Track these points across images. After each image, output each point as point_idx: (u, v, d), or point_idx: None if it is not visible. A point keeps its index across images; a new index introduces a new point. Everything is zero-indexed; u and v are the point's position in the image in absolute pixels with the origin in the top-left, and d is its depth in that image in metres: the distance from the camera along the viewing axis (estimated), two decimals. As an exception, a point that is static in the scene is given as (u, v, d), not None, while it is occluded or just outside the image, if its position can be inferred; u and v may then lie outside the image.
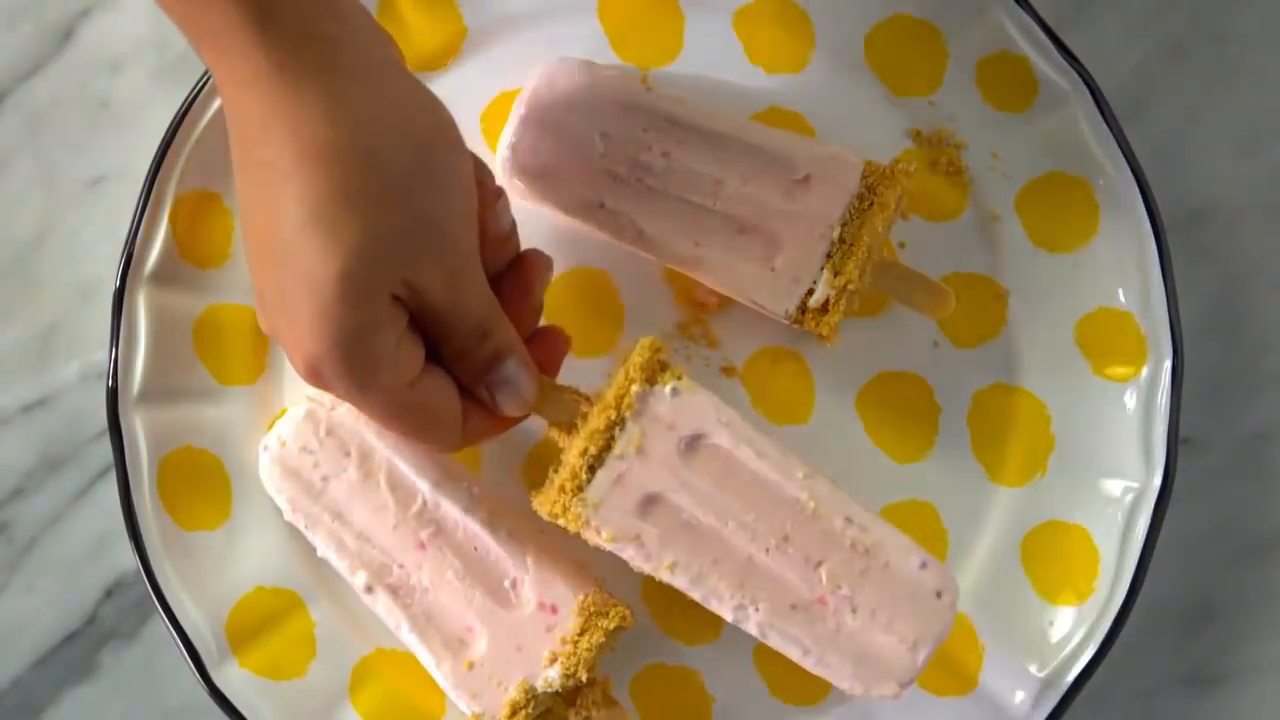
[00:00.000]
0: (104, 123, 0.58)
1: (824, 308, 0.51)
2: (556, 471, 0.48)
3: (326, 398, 0.53)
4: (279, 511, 0.53)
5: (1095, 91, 0.54)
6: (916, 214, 0.56)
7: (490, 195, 0.46)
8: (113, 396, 0.53)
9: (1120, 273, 0.55)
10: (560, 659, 0.50)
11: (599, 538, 0.47)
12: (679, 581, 0.47)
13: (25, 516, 0.57)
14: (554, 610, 0.50)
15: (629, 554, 0.47)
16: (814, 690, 0.55)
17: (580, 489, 0.47)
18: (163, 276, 0.54)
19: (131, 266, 0.53)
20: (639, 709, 0.54)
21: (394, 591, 0.51)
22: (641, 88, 0.53)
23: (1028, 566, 0.55)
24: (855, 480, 0.55)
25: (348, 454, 0.52)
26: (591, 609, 0.50)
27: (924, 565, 0.47)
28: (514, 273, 0.47)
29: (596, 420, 0.47)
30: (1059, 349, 0.56)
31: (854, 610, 0.47)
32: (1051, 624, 0.54)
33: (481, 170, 0.46)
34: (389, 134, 0.40)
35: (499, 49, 0.56)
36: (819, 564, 0.47)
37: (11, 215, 0.58)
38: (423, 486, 0.52)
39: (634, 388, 0.47)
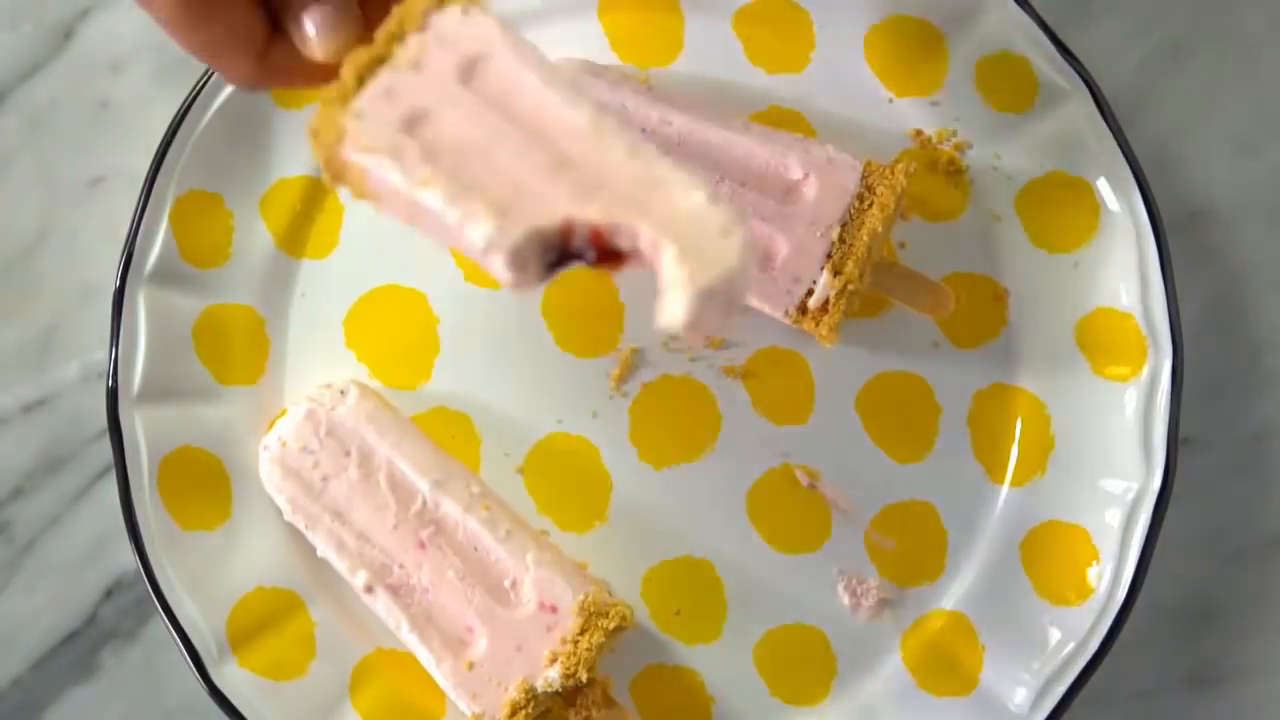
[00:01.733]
0: (104, 123, 0.58)
1: (824, 308, 0.51)
2: None
3: (326, 397, 0.53)
4: (279, 511, 0.53)
5: (1095, 91, 0.54)
6: (916, 214, 0.56)
7: None
8: (113, 396, 0.53)
9: (1120, 273, 0.55)
10: (560, 659, 0.50)
11: (355, 148, 0.43)
12: (434, 201, 0.42)
13: (25, 516, 0.57)
14: (554, 610, 0.50)
15: (385, 169, 0.42)
16: (814, 690, 0.55)
17: (345, 99, 0.43)
18: (163, 276, 0.54)
19: (131, 266, 0.53)
20: (639, 709, 0.54)
21: (394, 591, 0.51)
22: (641, 88, 0.53)
23: (1028, 566, 0.55)
24: (855, 480, 0.55)
25: (348, 454, 0.52)
26: (591, 609, 0.50)
27: (712, 200, 0.41)
28: None
29: (379, 33, 0.43)
30: (1059, 349, 0.56)
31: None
32: (1051, 624, 0.54)
33: None
34: None
35: (499, 49, 0.56)
36: (593, 194, 0.42)
37: (11, 215, 0.58)
38: (423, 486, 0.52)
39: (422, 2, 0.43)
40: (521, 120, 0.43)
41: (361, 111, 0.43)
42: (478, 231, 0.41)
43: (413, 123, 0.43)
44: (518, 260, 0.41)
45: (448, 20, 0.43)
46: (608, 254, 0.42)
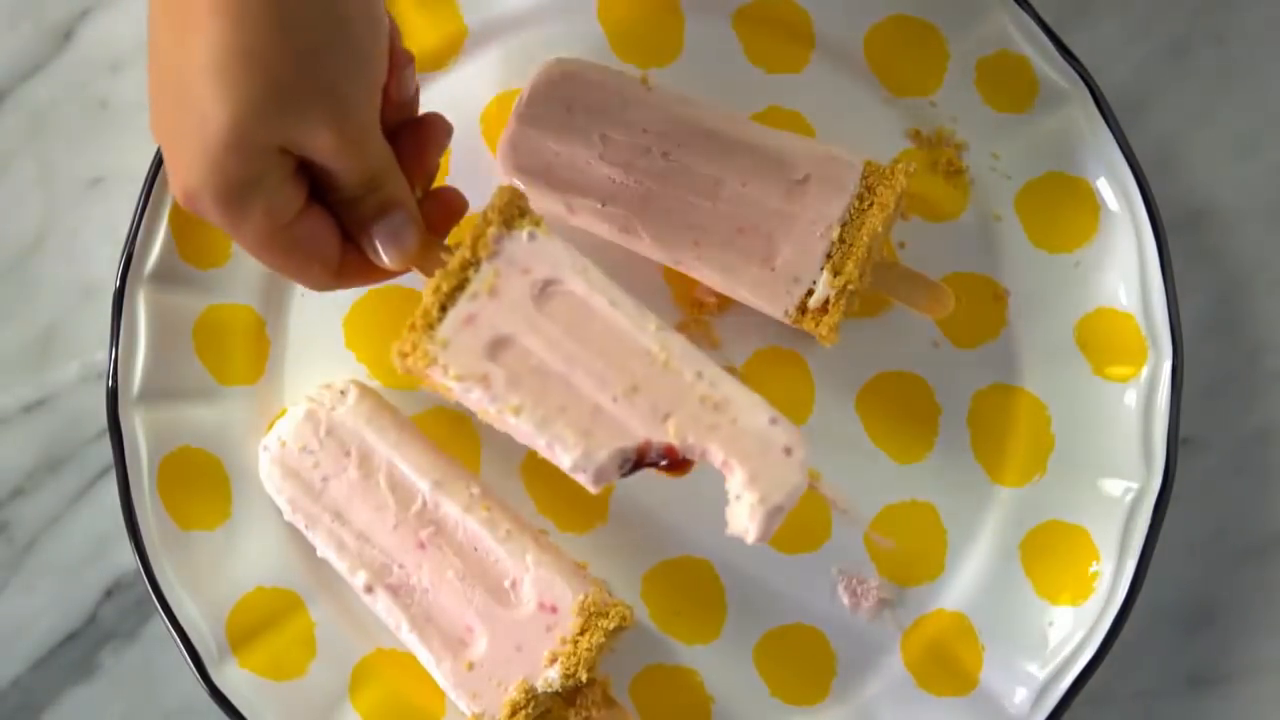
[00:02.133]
0: (104, 123, 0.58)
1: (824, 308, 0.51)
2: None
3: (326, 397, 0.53)
4: (279, 511, 0.53)
5: (1095, 91, 0.54)
6: (916, 214, 0.56)
7: (400, 60, 0.47)
8: (113, 396, 0.53)
9: (1120, 273, 0.55)
10: (560, 659, 0.50)
11: (445, 376, 0.46)
12: (524, 425, 0.46)
13: (25, 516, 0.57)
14: (554, 610, 0.50)
15: (475, 396, 0.46)
16: (814, 690, 0.55)
17: (431, 327, 0.46)
18: (163, 276, 0.54)
19: (131, 266, 0.53)
20: (639, 709, 0.54)
21: (394, 591, 0.51)
22: (641, 88, 0.53)
23: (1028, 567, 0.55)
24: (855, 480, 0.55)
25: (348, 454, 0.52)
26: (591, 609, 0.50)
27: (773, 421, 0.46)
28: (412, 132, 0.48)
29: (453, 261, 0.47)
30: (1059, 349, 0.56)
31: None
32: (1051, 624, 0.54)
33: (395, 35, 0.47)
34: (310, 2, 0.42)
35: (499, 49, 0.56)
36: (667, 416, 0.46)
37: (11, 215, 0.58)
38: (423, 486, 0.52)
39: (491, 230, 0.47)
40: (593, 343, 0.46)
41: (448, 340, 0.46)
42: (567, 457, 0.46)
43: (496, 349, 0.46)
44: (601, 478, 0.46)
45: (516, 244, 0.47)
46: (679, 462, 0.46)
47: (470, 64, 0.56)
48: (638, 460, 0.46)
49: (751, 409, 0.46)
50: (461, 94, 0.56)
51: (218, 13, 0.40)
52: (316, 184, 0.45)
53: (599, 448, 0.46)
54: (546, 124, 0.52)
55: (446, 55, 0.56)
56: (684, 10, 0.57)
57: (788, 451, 0.46)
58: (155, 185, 0.54)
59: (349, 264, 0.47)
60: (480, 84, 0.56)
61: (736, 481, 0.46)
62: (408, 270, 0.47)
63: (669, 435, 0.46)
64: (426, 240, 0.47)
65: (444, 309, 0.46)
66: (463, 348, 0.46)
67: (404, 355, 0.46)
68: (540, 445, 0.46)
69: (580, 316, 0.47)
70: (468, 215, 0.49)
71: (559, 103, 0.52)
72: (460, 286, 0.46)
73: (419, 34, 0.56)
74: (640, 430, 0.46)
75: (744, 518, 0.45)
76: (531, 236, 0.47)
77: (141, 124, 0.58)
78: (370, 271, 0.48)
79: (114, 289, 0.53)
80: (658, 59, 0.57)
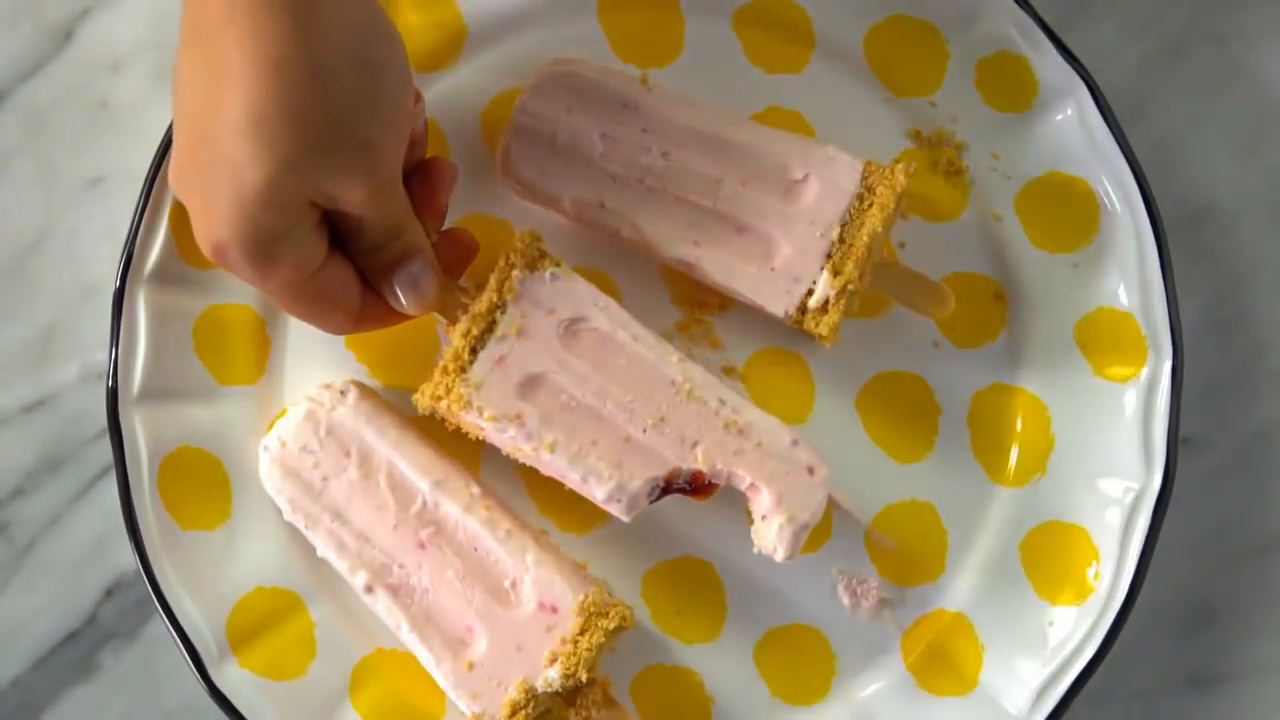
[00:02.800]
0: (104, 123, 0.58)
1: (824, 308, 0.51)
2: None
3: (326, 397, 0.53)
4: (279, 511, 0.53)
5: (1095, 91, 0.54)
6: (916, 214, 0.56)
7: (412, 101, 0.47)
8: (113, 396, 0.53)
9: (1120, 273, 0.55)
10: (560, 659, 0.50)
11: (480, 418, 0.48)
12: (558, 461, 0.48)
13: (25, 516, 0.57)
14: (554, 610, 0.50)
15: (510, 434, 0.48)
16: (814, 690, 0.55)
17: (463, 370, 0.48)
18: (163, 276, 0.54)
19: (131, 266, 0.53)
20: (639, 709, 0.54)
21: (394, 591, 0.51)
22: (641, 88, 0.53)
23: (1027, 567, 0.55)
24: (855, 480, 0.55)
25: (348, 454, 0.52)
26: (591, 609, 0.50)
27: (795, 443, 0.49)
28: (422, 177, 0.49)
29: (479, 304, 0.48)
30: (1059, 349, 0.56)
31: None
32: (1051, 624, 0.54)
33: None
34: (343, 56, 0.42)
35: (499, 49, 0.56)
36: (695, 444, 0.48)
37: (11, 215, 0.58)
38: (423, 486, 0.52)
39: (515, 272, 0.49)
40: (620, 376, 0.49)
41: (480, 382, 0.48)
42: (601, 490, 0.48)
43: (528, 388, 0.49)
44: (634, 507, 0.48)
45: (539, 285, 0.49)
46: (704, 486, 0.49)
47: (470, 64, 0.56)
48: (666, 486, 0.49)
49: (773, 433, 0.49)
50: (461, 94, 0.56)
51: (252, 67, 0.40)
52: (336, 232, 0.46)
53: (632, 478, 0.48)
54: (546, 124, 0.52)
55: (446, 55, 0.56)
56: (684, 10, 0.57)
57: (811, 471, 0.49)
58: (155, 185, 0.53)
59: (368, 308, 0.48)
60: (480, 84, 0.56)
61: (764, 503, 0.48)
62: (426, 314, 0.48)
63: (698, 462, 0.48)
64: (445, 284, 0.49)
65: (474, 351, 0.48)
66: (495, 389, 0.48)
67: (438, 399, 0.48)
68: (574, 479, 0.48)
69: (606, 352, 0.49)
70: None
71: (559, 103, 0.53)
72: (488, 329, 0.48)
73: (419, 34, 0.56)
74: (671, 458, 0.48)
75: (772, 537, 0.48)
76: (554, 277, 0.49)
77: (141, 124, 0.58)
78: (389, 315, 0.49)
79: (114, 289, 0.53)
80: (658, 59, 0.57)
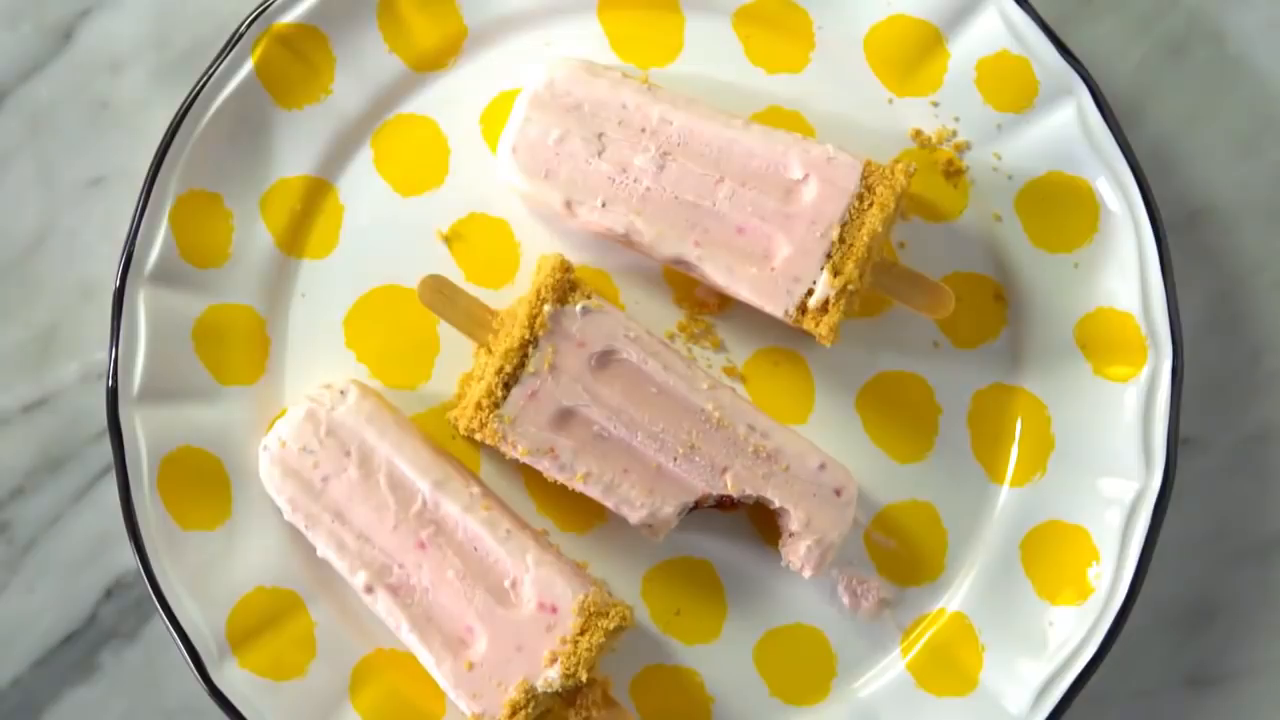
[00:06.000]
0: (104, 123, 0.58)
1: (824, 308, 0.51)
2: (471, 389, 0.51)
3: (326, 397, 0.53)
4: (279, 511, 0.53)
5: (1095, 91, 0.54)
6: (916, 214, 0.56)
7: None
8: (113, 396, 0.53)
9: (1120, 273, 0.55)
10: (560, 659, 0.50)
11: (515, 451, 0.50)
12: (592, 491, 0.50)
13: (25, 516, 0.57)
14: (554, 610, 0.50)
15: (544, 466, 0.50)
16: (814, 690, 0.55)
17: (496, 405, 0.50)
18: (163, 276, 0.54)
19: (131, 266, 0.53)
20: (639, 709, 0.54)
21: (394, 591, 0.51)
22: (641, 88, 0.53)
23: (1028, 567, 0.55)
24: (855, 480, 0.55)
25: (348, 454, 0.52)
26: (591, 609, 0.50)
27: (823, 466, 0.50)
28: None
29: (510, 339, 0.49)
30: (1059, 349, 0.56)
31: None
32: (1051, 624, 0.54)
33: None
34: None
35: (499, 49, 0.56)
36: (724, 470, 0.50)
37: (11, 215, 0.58)
38: (423, 486, 0.52)
39: (546, 308, 0.50)
40: (651, 406, 0.50)
41: (514, 418, 0.50)
42: (634, 516, 0.50)
43: (561, 421, 0.50)
44: (664, 529, 0.50)
45: (570, 320, 0.50)
46: (732, 504, 0.51)
47: (470, 64, 0.56)
48: (695, 506, 0.51)
49: (801, 456, 0.50)
50: (461, 94, 0.56)
51: None
52: None
53: (664, 505, 0.50)
54: (547, 124, 0.52)
55: (446, 55, 0.56)
56: (684, 10, 0.57)
57: (838, 493, 0.50)
58: (155, 185, 0.54)
59: None
60: (480, 84, 0.56)
61: (793, 523, 0.50)
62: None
63: (727, 487, 0.50)
64: (477, 307, 0.50)
65: (507, 387, 0.50)
66: (529, 423, 0.50)
67: (472, 432, 0.50)
68: (609, 505, 0.50)
69: (636, 382, 0.50)
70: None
71: (559, 103, 0.52)
72: (521, 364, 0.50)
73: (419, 34, 0.56)
74: (701, 485, 0.50)
75: (801, 555, 0.50)
76: (585, 311, 0.50)
77: (141, 124, 0.58)
78: None
79: (114, 289, 0.53)
80: (658, 59, 0.57)
